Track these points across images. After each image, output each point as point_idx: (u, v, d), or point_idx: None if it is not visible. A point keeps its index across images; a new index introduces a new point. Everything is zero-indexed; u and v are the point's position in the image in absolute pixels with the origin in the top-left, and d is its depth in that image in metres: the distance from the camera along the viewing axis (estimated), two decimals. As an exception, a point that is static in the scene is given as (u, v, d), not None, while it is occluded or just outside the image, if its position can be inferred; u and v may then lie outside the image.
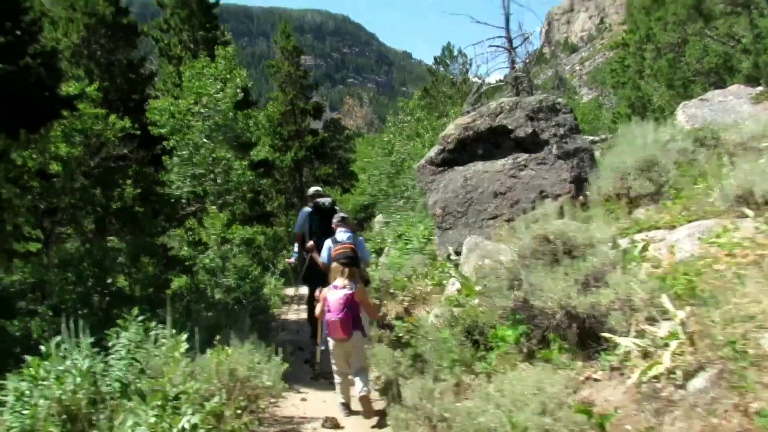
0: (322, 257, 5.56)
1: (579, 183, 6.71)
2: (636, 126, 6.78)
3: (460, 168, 7.27)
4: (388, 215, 13.11)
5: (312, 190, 6.91)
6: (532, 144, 6.97)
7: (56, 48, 8.45)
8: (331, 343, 4.14)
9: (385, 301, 7.42)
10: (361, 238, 5.81)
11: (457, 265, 6.67)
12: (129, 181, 9.82)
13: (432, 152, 7.56)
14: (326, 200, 6.32)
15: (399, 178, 13.56)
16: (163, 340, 3.44)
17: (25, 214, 8.74)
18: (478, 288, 4.29)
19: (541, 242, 3.62)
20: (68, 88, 9.29)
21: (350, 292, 4.03)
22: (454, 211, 7.14)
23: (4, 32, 8.11)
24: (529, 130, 6.95)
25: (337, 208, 6.32)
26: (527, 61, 12.26)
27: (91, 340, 3.20)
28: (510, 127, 6.99)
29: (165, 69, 16.18)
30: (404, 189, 12.73)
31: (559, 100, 7.53)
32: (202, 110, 9.70)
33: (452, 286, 5.15)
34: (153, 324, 3.62)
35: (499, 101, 7.30)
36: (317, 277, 5.68)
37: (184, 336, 3.46)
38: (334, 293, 4.04)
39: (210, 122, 9.76)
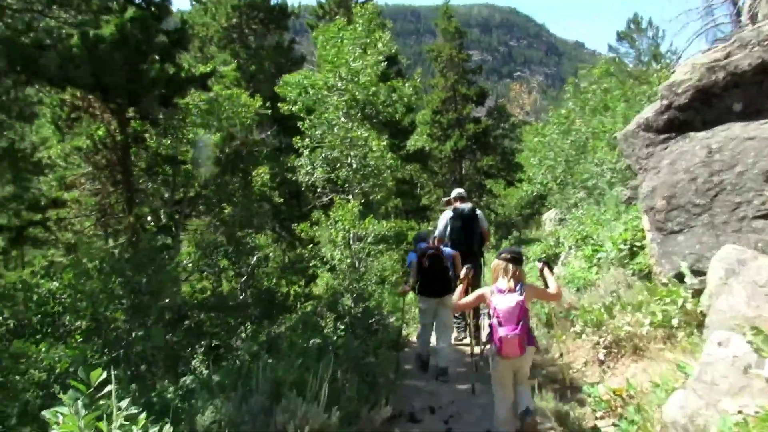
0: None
1: None
2: None
3: (700, 134, 4.58)
4: (565, 210, 10.29)
5: (454, 193, 6.33)
6: None
7: (186, 22, 7.73)
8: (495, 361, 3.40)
9: (564, 337, 4.95)
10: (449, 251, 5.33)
11: (697, 293, 3.97)
12: (262, 168, 8.89)
13: (648, 112, 4.90)
14: (466, 206, 5.92)
15: (580, 163, 10.58)
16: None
17: (158, 202, 8.29)
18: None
19: None
20: (204, 68, 8.63)
21: (521, 298, 3.30)
22: (689, 203, 4.43)
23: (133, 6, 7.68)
24: None
25: (478, 212, 6.02)
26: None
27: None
28: (801, 60, 4.04)
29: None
30: (587, 177, 9.77)
31: None
32: (338, 83, 8.19)
33: (719, 350, 2.55)
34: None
35: (779, 17, 4.31)
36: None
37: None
38: (503, 300, 3.30)
39: (347, 97, 8.22)
